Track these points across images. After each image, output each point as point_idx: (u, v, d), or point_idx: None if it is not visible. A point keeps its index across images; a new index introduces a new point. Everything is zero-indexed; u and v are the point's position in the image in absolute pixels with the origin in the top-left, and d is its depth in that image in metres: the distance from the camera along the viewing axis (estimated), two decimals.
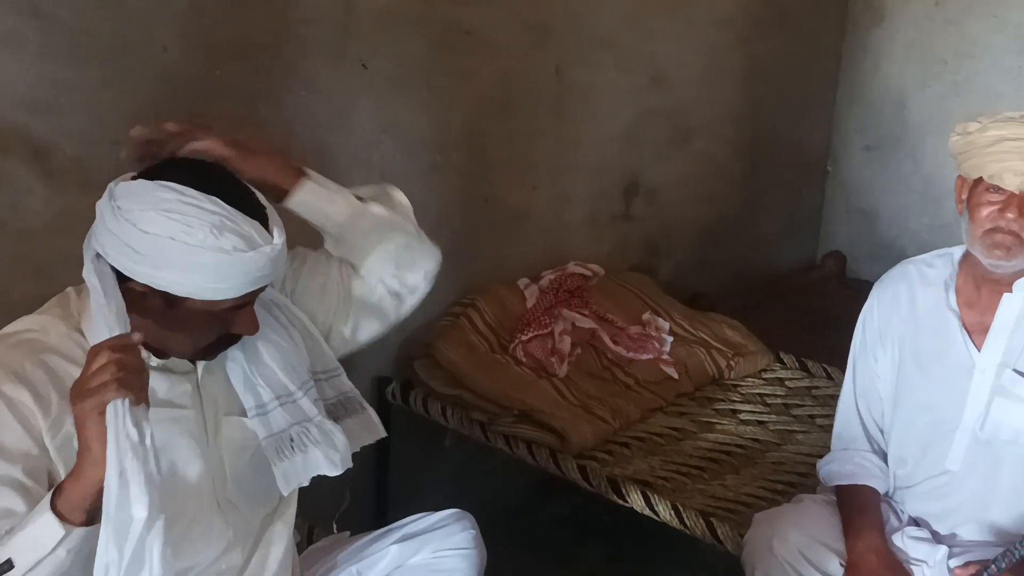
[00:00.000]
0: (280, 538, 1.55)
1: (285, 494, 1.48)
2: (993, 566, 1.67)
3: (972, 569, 1.74)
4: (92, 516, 1.20)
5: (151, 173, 1.32)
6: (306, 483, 1.48)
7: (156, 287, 1.28)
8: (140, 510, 1.15)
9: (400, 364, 2.74)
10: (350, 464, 1.49)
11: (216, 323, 1.35)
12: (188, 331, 1.35)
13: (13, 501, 1.25)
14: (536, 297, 2.89)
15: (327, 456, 1.45)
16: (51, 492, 1.22)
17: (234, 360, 1.45)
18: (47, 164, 1.97)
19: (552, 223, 3.11)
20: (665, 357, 2.89)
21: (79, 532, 1.20)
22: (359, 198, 1.58)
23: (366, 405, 1.60)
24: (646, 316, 3.03)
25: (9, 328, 1.38)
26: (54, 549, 1.19)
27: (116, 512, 1.15)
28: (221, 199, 1.29)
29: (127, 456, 1.15)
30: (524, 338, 2.75)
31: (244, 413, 1.45)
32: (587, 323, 2.87)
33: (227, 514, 1.47)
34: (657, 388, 2.80)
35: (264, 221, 1.33)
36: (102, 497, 1.16)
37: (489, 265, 2.94)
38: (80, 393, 1.19)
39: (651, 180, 3.41)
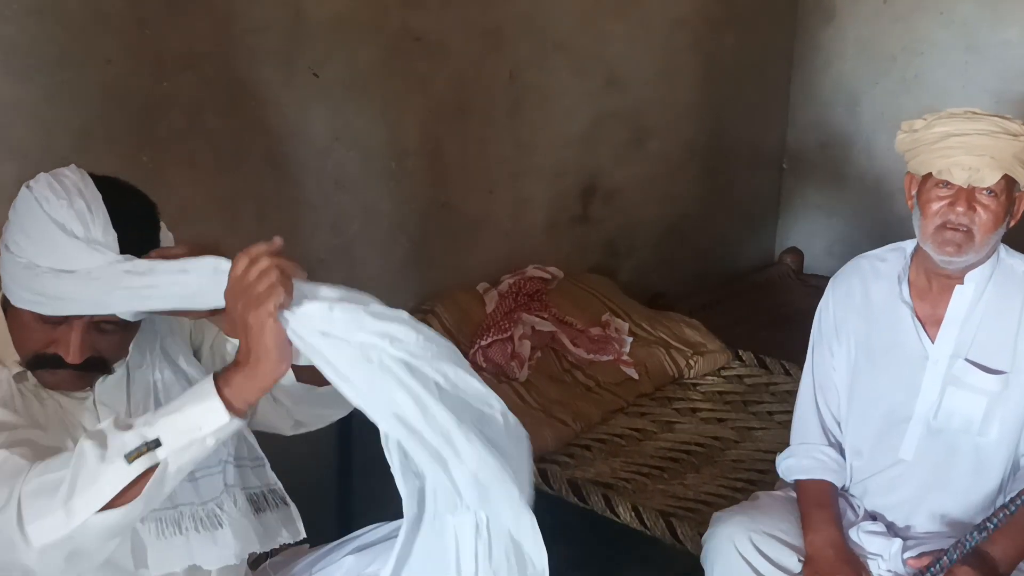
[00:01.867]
0: None
1: None
2: (945, 558, 1.70)
3: (926, 560, 1.77)
4: (247, 413, 1.24)
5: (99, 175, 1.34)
6: (179, 570, 1.43)
7: (7, 247, 1.28)
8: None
9: None
10: (233, 561, 1.45)
11: (39, 329, 1.31)
12: (21, 325, 1.32)
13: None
14: (495, 301, 2.89)
15: (207, 546, 1.41)
16: (208, 380, 1.22)
17: None
18: None
19: (510, 227, 3.12)
20: (625, 358, 2.91)
21: (235, 423, 1.22)
22: None
23: (289, 501, 1.56)
24: (605, 317, 3.04)
25: None
26: (211, 434, 1.20)
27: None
28: (105, 199, 1.29)
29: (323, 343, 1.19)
30: (484, 343, 2.75)
31: None
32: (547, 326, 2.88)
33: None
34: (618, 389, 2.81)
35: (126, 244, 1.28)
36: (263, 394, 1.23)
37: (448, 271, 2.93)
38: (251, 301, 1.18)
39: (609, 182, 3.42)
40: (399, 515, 1.71)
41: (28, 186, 1.31)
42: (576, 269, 3.25)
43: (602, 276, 3.34)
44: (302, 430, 1.58)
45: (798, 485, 1.99)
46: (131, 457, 1.17)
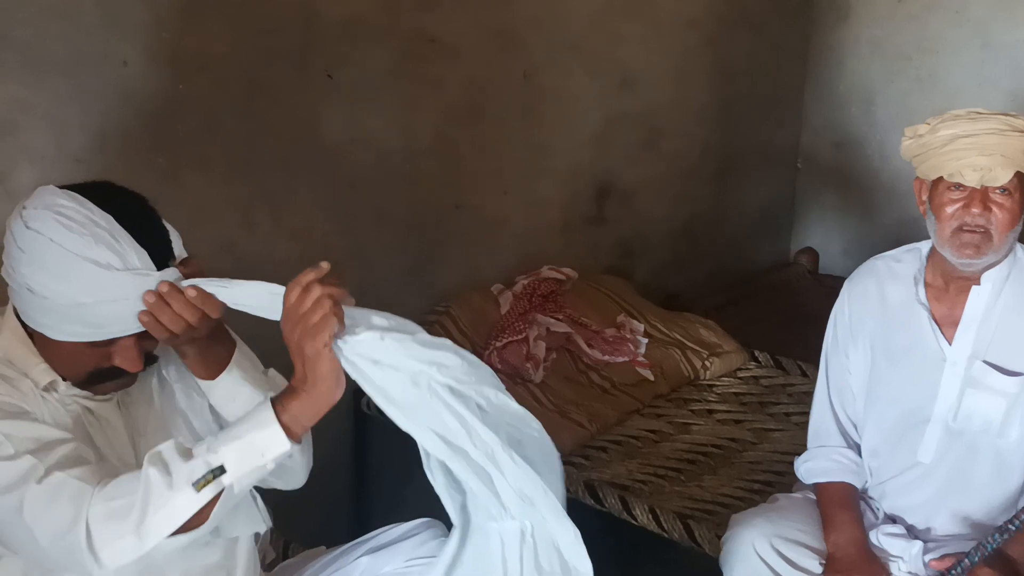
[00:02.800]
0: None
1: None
2: (966, 560, 1.68)
3: (948, 562, 1.75)
4: (303, 436, 1.30)
5: (71, 186, 1.33)
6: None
7: (32, 289, 1.28)
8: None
9: None
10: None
11: (93, 351, 1.33)
12: (67, 353, 1.34)
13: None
14: (510, 303, 2.88)
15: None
16: (267, 407, 1.26)
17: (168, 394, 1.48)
18: (8, 184, 1.95)
19: (525, 228, 3.11)
20: (640, 359, 2.89)
21: (294, 448, 1.27)
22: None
23: (256, 494, 1.56)
24: (620, 318, 3.03)
25: None
26: (271, 460, 1.26)
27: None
28: (116, 218, 1.29)
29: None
30: (499, 344, 2.74)
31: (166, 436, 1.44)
32: (562, 327, 2.87)
33: None
34: (633, 390, 2.80)
35: (157, 255, 1.31)
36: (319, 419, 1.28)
37: (462, 272, 2.93)
38: (307, 331, 1.23)
39: (623, 182, 3.41)
40: (412, 516, 1.72)
41: (30, 227, 1.28)
42: (591, 270, 3.24)
43: (617, 277, 3.33)
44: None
45: (818, 488, 1.97)
46: (199, 485, 1.22)
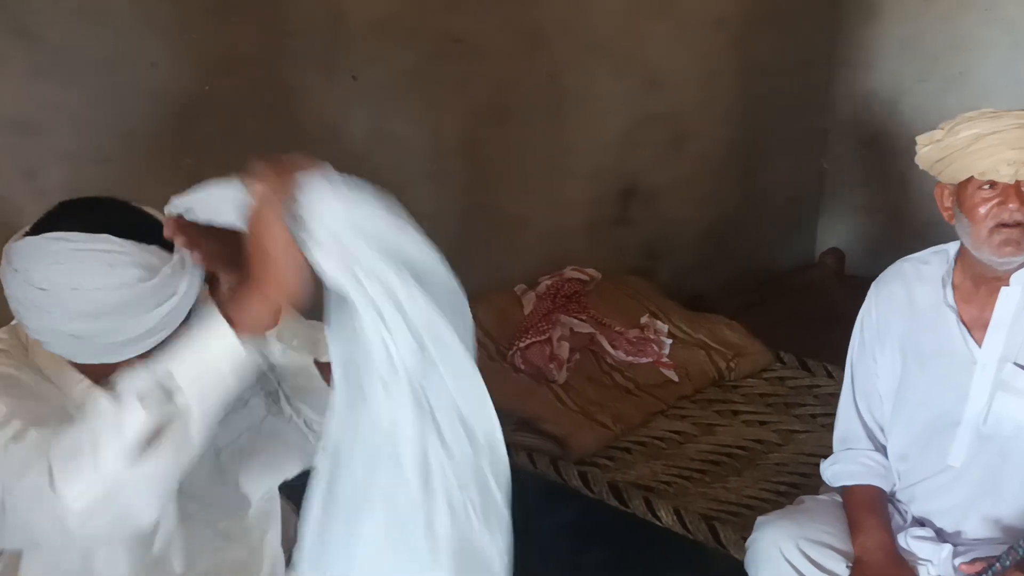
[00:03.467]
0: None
1: (253, 500, 1.45)
2: (998, 564, 1.66)
3: (978, 566, 1.73)
4: (261, 341, 1.18)
5: (39, 227, 1.28)
6: (274, 485, 1.45)
7: (76, 335, 1.25)
8: None
9: None
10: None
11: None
12: (127, 366, 1.28)
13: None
14: (533, 303, 2.88)
15: (280, 454, 1.42)
16: (210, 307, 1.15)
17: None
18: (37, 183, 1.97)
19: (549, 229, 3.11)
20: (665, 360, 2.88)
21: (249, 350, 1.15)
22: None
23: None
24: (644, 319, 3.02)
25: None
26: (222, 356, 1.14)
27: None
28: (111, 234, 1.24)
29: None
30: (522, 345, 2.74)
31: None
32: (585, 328, 2.86)
33: (189, 528, 1.43)
34: (657, 391, 2.79)
35: (162, 241, 1.27)
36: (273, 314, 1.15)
37: (486, 272, 2.93)
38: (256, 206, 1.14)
39: (648, 183, 3.40)
40: None
41: (43, 288, 1.22)
42: (615, 271, 3.23)
43: (641, 278, 3.32)
44: None
45: (845, 491, 1.96)
46: (148, 402, 1.12)
